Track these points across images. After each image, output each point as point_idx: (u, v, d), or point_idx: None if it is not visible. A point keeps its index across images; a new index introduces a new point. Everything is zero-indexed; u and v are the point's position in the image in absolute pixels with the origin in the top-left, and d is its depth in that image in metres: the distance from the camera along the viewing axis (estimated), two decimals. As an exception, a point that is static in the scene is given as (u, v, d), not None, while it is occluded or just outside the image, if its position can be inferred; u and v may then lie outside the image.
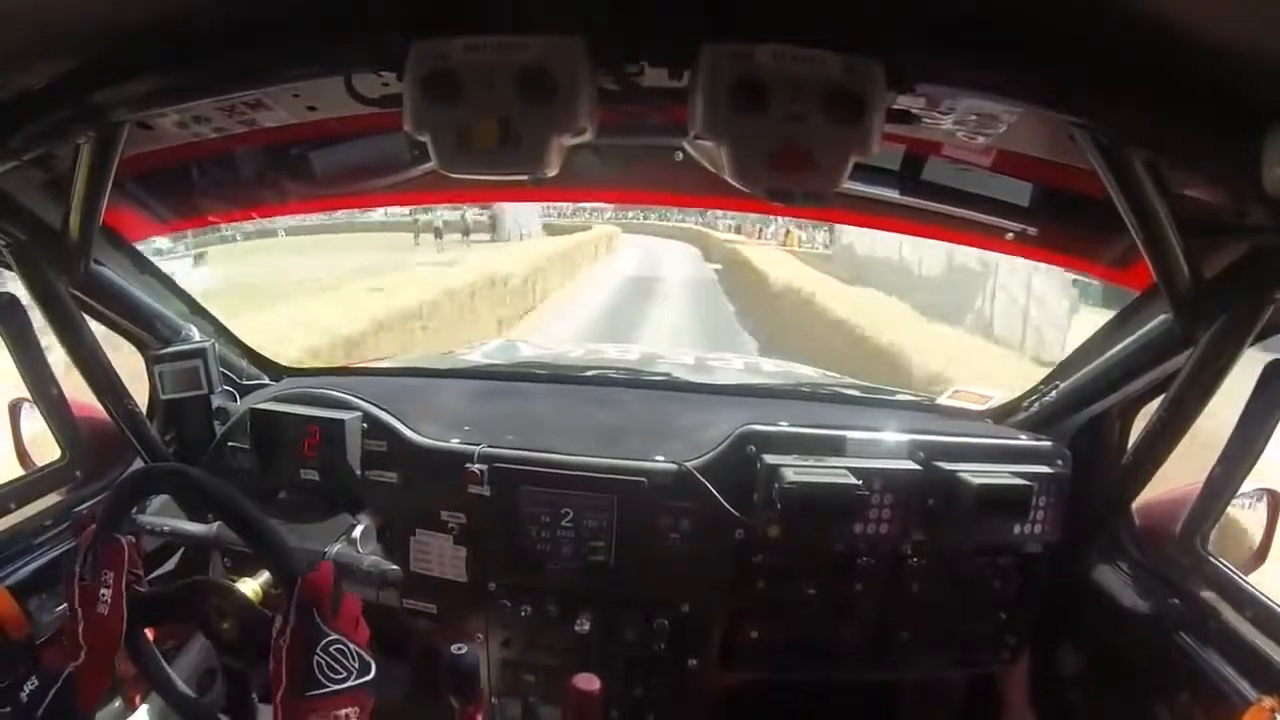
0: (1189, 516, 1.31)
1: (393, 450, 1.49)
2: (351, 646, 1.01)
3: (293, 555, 1.09)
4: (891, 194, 1.26)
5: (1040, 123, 0.97)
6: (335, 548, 1.36)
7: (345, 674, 1.00)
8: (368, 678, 1.02)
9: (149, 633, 1.19)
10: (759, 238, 26.42)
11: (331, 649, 1.00)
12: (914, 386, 5.80)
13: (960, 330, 11.20)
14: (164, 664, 1.19)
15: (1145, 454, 1.26)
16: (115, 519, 1.17)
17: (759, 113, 0.76)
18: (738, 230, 27.71)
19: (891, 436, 1.44)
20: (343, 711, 0.99)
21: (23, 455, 1.59)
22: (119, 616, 1.10)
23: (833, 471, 1.35)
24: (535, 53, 0.77)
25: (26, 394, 1.51)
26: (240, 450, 1.56)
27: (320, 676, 0.98)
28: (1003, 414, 1.64)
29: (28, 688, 1.09)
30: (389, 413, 1.52)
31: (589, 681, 1.16)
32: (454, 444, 1.47)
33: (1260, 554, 1.38)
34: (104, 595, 1.10)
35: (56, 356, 1.44)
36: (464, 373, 2.06)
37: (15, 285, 1.33)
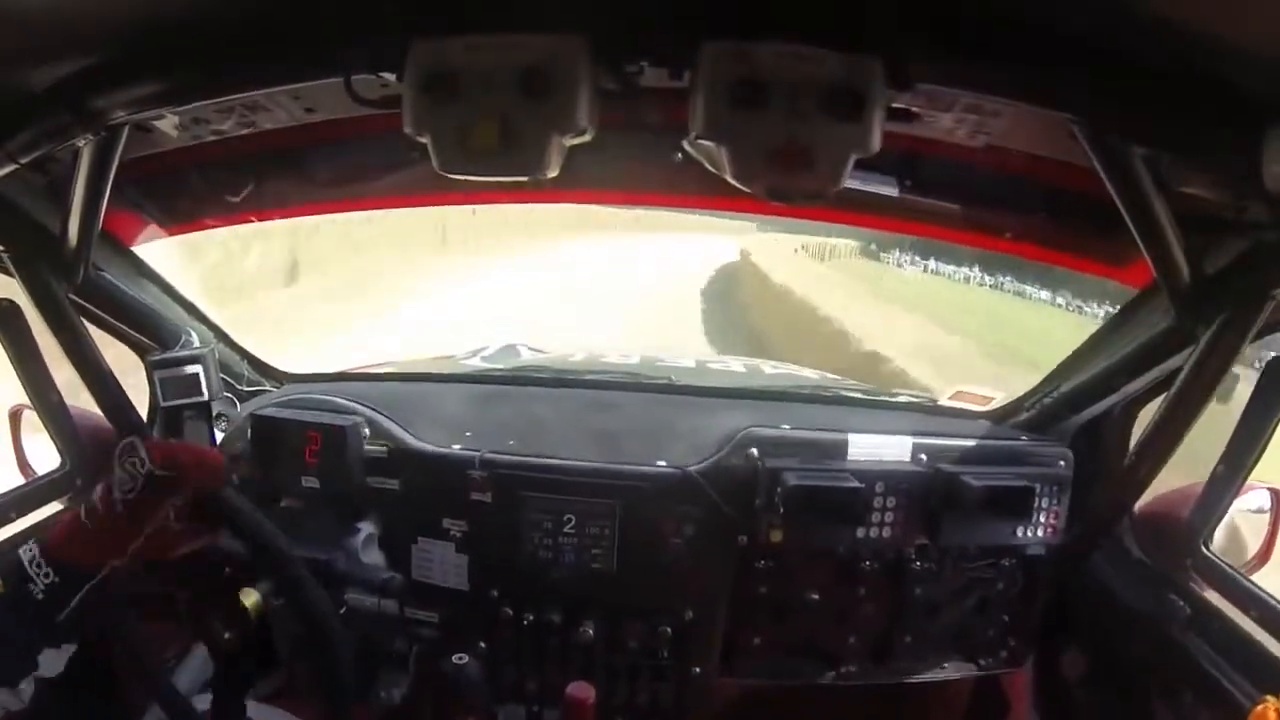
0: (1191, 516, 1.30)
1: (394, 457, 1.48)
2: None
3: (294, 562, 1.08)
4: (891, 192, 1.26)
5: (1040, 120, 0.97)
6: (336, 555, 1.35)
7: None
8: None
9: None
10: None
11: None
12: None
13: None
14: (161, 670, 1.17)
15: (1147, 454, 1.25)
16: None
17: (759, 112, 0.76)
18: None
19: (893, 439, 1.43)
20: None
21: (24, 463, 1.58)
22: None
23: (835, 475, 1.35)
24: (535, 53, 0.77)
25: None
26: (241, 457, 1.55)
27: None
28: (1004, 415, 1.64)
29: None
30: (390, 419, 1.51)
31: (583, 689, 1.15)
32: (456, 450, 1.46)
33: (1263, 554, 1.38)
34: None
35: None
36: (465, 378, 2.06)
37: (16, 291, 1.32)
